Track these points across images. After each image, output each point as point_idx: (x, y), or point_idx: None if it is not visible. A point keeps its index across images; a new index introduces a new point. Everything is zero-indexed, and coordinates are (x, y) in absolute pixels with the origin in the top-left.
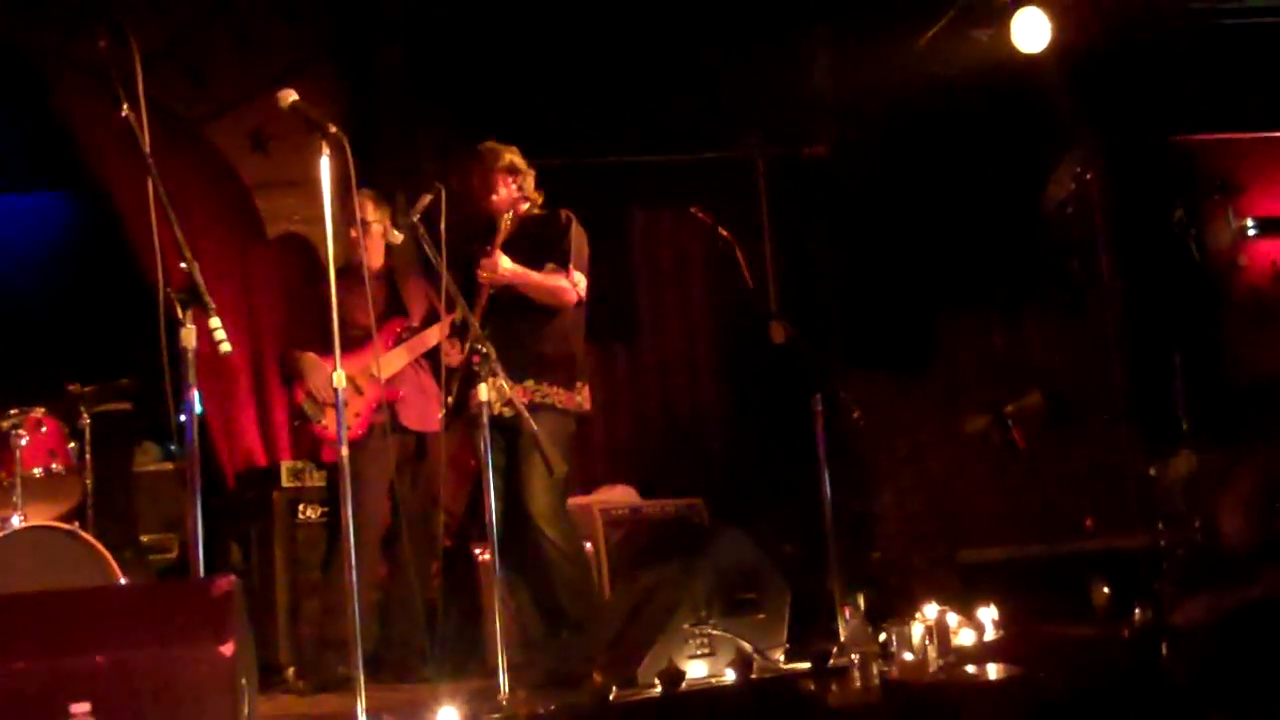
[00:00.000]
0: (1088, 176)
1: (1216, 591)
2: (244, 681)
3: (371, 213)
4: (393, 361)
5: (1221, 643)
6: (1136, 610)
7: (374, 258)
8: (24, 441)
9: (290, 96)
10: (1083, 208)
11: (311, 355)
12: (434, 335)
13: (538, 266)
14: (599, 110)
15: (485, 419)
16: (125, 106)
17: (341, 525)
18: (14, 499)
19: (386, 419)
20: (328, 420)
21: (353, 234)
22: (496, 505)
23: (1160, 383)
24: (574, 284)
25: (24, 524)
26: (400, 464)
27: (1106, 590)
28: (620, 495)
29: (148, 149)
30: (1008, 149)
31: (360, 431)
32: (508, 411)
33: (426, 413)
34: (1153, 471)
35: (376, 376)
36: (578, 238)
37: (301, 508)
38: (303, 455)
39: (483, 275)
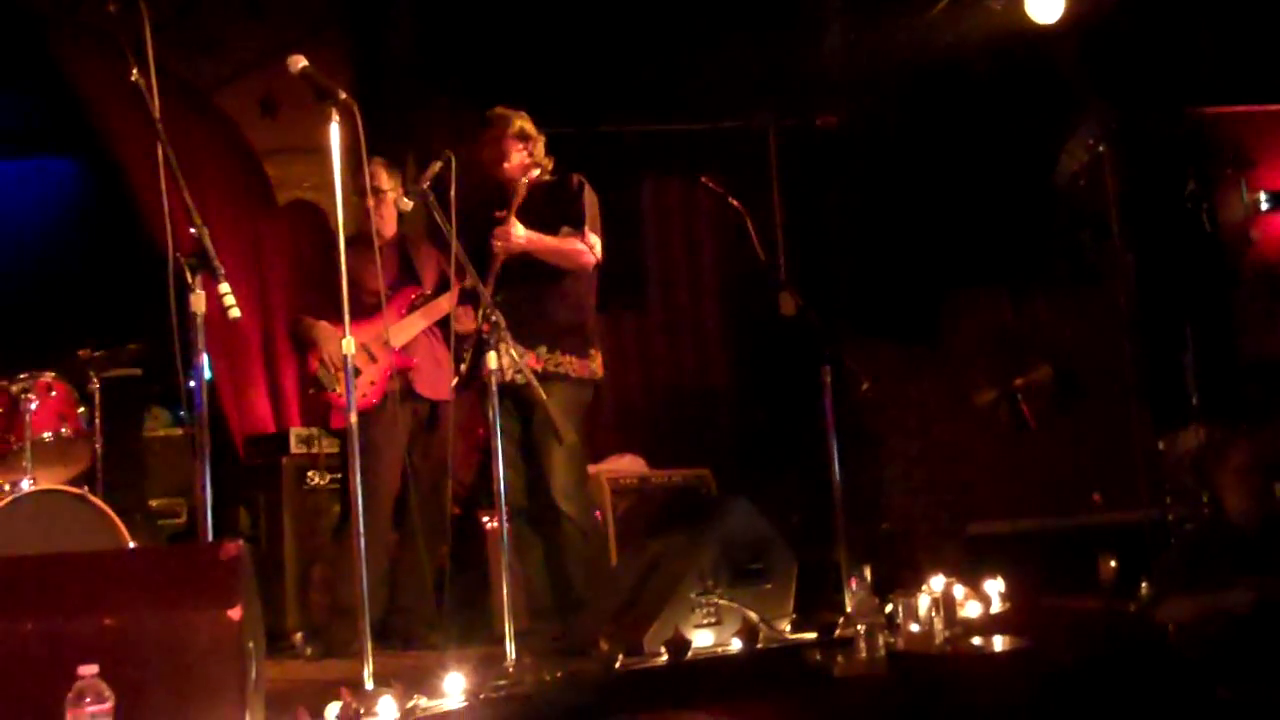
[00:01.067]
0: (1100, 149)
1: (1202, 592)
2: (251, 646)
3: (385, 181)
4: (406, 329)
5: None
6: (1143, 584)
7: (387, 226)
8: (34, 406)
9: (300, 62)
10: (1095, 180)
11: (325, 324)
12: (446, 303)
13: (553, 231)
14: (610, 79)
15: (494, 387)
16: (135, 72)
17: (350, 492)
18: (24, 463)
19: (399, 387)
20: (342, 388)
21: (368, 203)
22: (508, 474)
23: (1170, 357)
24: (590, 246)
25: (34, 488)
26: (413, 432)
27: (1114, 564)
28: (628, 465)
29: (157, 114)
30: (1020, 120)
31: (375, 399)
32: (520, 379)
33: (439, 381)
34: (1161, 446)
35: (390, 344)
36: (591, 200)
37: (310, 474)
38: (312, 422)
39: (498, 245)
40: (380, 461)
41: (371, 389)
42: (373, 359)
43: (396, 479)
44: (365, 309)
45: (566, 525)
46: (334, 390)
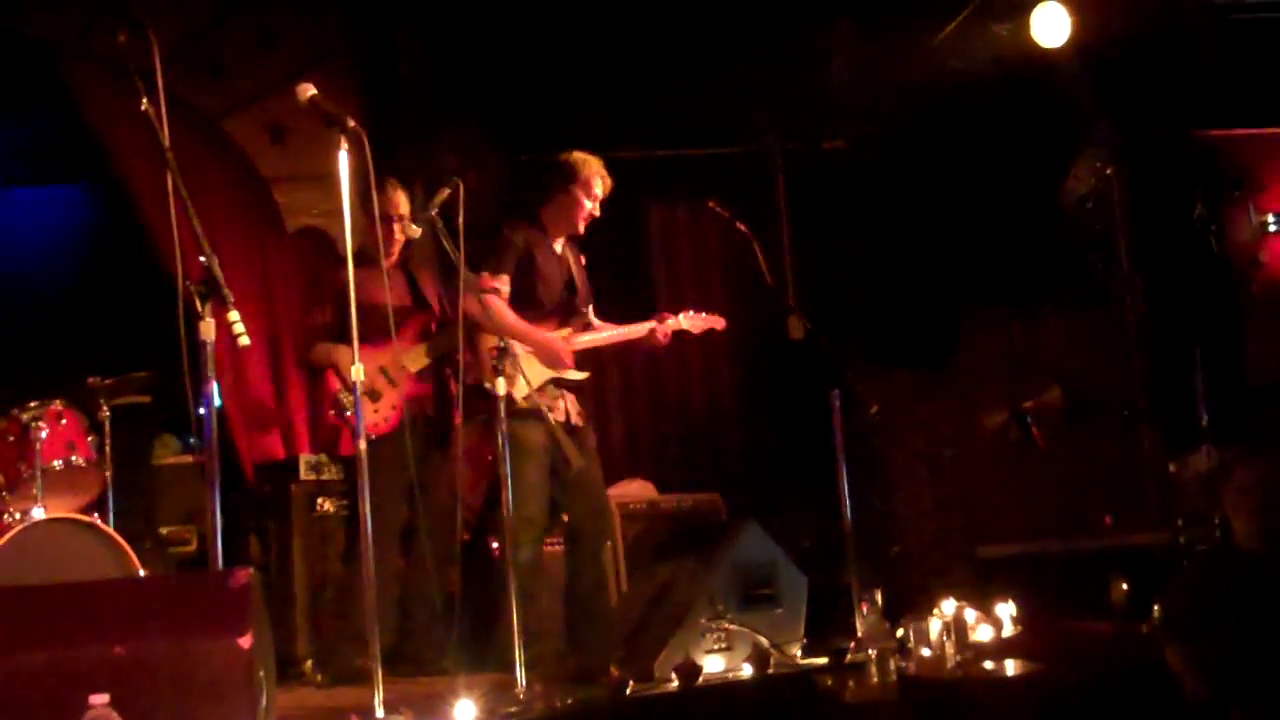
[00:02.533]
0: (1108, 171)
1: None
2: (262, 673)
3: (404, 205)
4: (422, 354)
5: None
6: (1155, 607)
7: (398, 249)
8: (44, 434)
9: (309, 90)
10: (1103, 203)
11: (345, 347)
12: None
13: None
14: (617, 104)
15: (503, 412)
16: (145, 100)
17: (360, 518)
18: (34, 491)
19: (416, 412)
20: (373, 415)
21: (394, 227)
22: (540, 502)
23: (1180, 379)
24: None
25: (44, 516)
26: (427, 456)
27: (1125, 587)
28: (637, 490)
29: (167, 142)
30: (1027, 144)
31: (394, 424)
32: (579, 420)
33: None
34: (1172, 468)
35: (407, 369)
36: None
37: (320, 501)
38: (320, 448)
39: (660, 339)
40: (393, 487)
41: (393, 413)
42: (392, 383)
43: (405, 505)
44: (380, 332)
45: (607, 544)
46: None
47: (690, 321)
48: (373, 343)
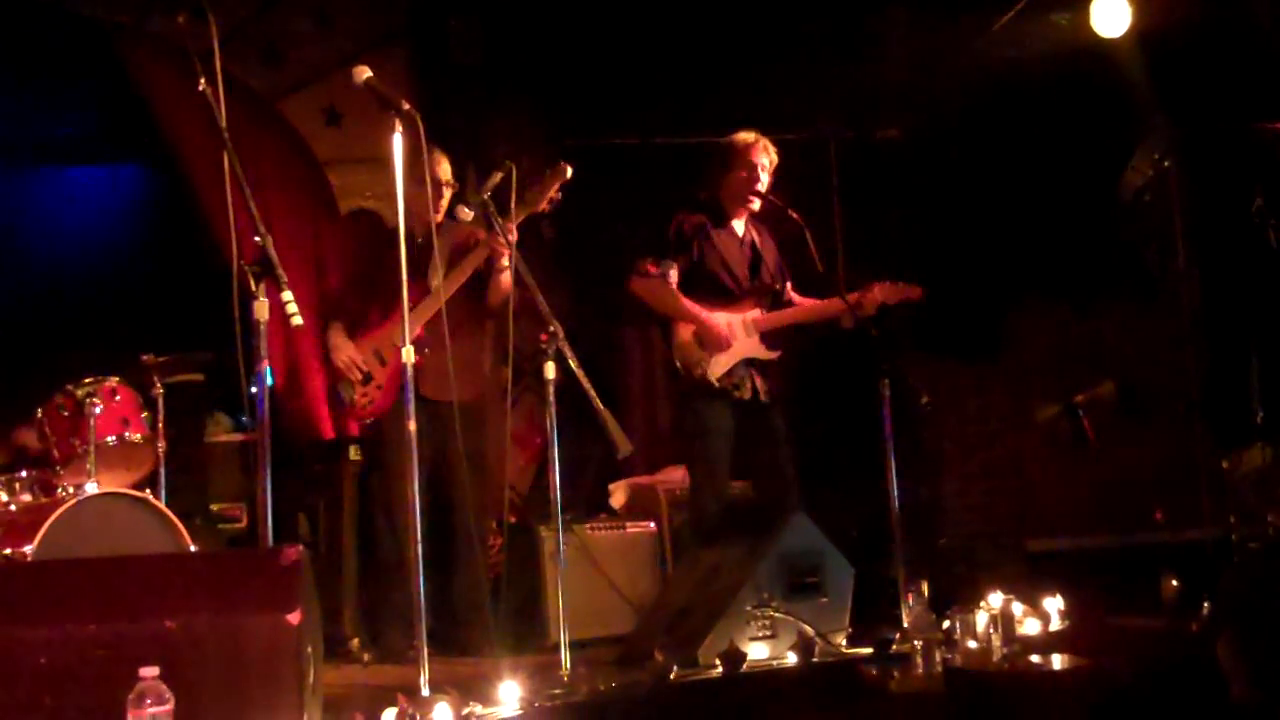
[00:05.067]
0: (1166, 164)
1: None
2: (309, 650)
3: (446, 173)
4: (414, 320)
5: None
6: (1205, 604)
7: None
8: (98, 410)
9: (364, 73)
10: (1160, 196)
11: (335, 333)
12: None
13: None
14: (671, 91)
15: (552, 397)
16: (202, 81)
17: (409, 499)
18: (88, 466)
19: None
20: (363, 398)
21: (445, 193)
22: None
23: (1235, 374)
24: None
25: (98, 491)
26: (441, 434)
27: (1175, 583)
28: (684, 476)
29: (224, 123)
30: (1085, 135)
31: (386, 405)
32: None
33: (447, 381)
34: (1225, 464)
35: (397, 345)
36: None
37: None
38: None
39: (869, 311)
40: (400, 468)
41: (379, 394)
42: (383, 363)
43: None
44: (381, 312)
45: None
46: (351, 401)
47: (886, 292)
48: (369, 327)
